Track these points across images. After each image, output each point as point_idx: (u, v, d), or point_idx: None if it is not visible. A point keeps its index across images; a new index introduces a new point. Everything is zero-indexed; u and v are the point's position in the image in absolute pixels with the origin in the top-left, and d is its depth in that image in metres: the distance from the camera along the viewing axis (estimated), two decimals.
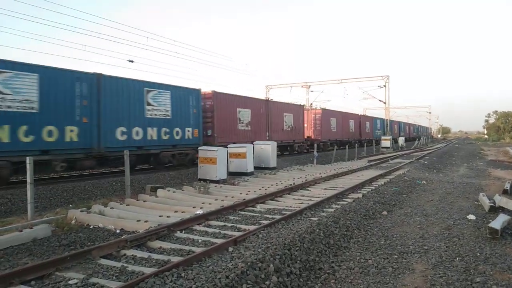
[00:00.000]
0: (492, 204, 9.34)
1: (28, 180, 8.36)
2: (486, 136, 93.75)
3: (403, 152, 34.30)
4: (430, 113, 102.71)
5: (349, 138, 39.96)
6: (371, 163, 22.41)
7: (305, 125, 31.38)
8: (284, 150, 28.31)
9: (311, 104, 44.55)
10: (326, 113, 34.89)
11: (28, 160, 8.45)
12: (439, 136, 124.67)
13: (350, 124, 41.28)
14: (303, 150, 29.92)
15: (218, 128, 19.70)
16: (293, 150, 28.57)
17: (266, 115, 24.59)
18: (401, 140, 46.97)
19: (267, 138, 23.85)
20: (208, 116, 19.39)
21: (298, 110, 29.71)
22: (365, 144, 37.07)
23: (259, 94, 50.40)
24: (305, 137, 31.20)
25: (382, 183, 13.39)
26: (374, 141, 45.64)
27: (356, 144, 32.72)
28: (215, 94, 19.80)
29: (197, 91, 18.44)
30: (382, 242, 6.91)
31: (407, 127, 73.49)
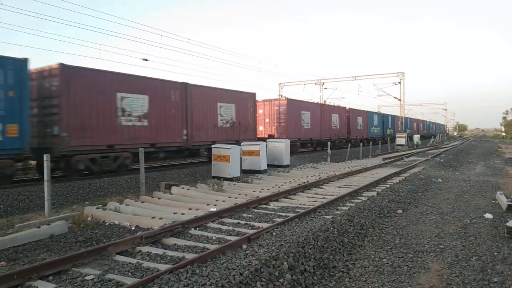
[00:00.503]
0: (510, 203, 9.17)
1: (46, 178, 8.49)
2: (503, 134, 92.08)
3: (418, 150, 33.88)
4: (446, 110, 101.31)
5: (332, 136, 32.54)
6: (386, 161, 22.20)
7: (267, 120, 26.03)
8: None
9: (324, 101, 44.28)
10: (294, 105, 27.33)
11: (45, 157, 8.58)
12: (455, 133, 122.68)
13: (333, 120, 33.69)
14: None
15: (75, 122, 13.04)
16: None
17: (184, 106, 17.31)
18: (416, 138, 46.47)
19: (184, 137, 17.48)
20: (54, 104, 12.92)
21: (244, 100, 21.60)
22: (371, 143, 33.53)
23: (273, 92, 50.14)
24: (267, 135, 25.26)
25: (397, 181, 13.25)
26: (370, 141, 38.11)
27: (349, 144, 28.98)
28: (66, 69, 12.83)
29: (12, 60, 11.49)
30: (397, 241, 6.86)
31: (415, 123, 66.38)
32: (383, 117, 47.95)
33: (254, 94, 22.78)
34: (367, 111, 42.36)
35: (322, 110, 31.75)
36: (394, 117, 51.97)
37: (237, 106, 20.90)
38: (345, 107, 37.90)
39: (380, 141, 40.93)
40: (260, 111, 25.90)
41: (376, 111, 54.92)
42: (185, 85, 17.53)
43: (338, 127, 34.55)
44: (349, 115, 37.39)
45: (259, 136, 24.28)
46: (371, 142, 34.72)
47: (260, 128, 25.67)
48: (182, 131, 17.29)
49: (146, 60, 22.63)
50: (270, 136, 24.72)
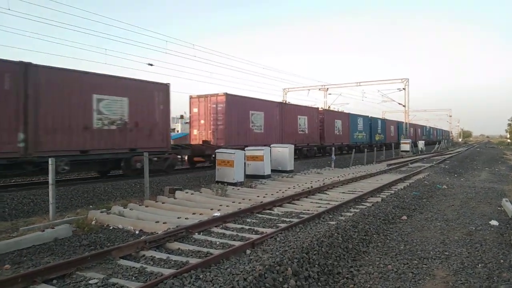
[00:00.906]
0: None
1: (50, 181, 8.52)
2: (509, 140, 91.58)
3: (423, 156, 33.76)
4: (450, 116, 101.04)
5: (297, 142, 25.89)
6: (390, 167, 22.13)
7: (202, 121, 20.52)
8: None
9: (328, 107, 44.24)
10: (238, 103, 20.95)
11: (50, 161, 8.61)
12: (460, 140, 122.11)
13: (300, 122, 27.37)
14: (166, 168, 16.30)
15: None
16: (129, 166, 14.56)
17: (21, 96, 11.55)
18: (420, 144, 46.34)
19: (20, 144, 11.45)
20: None
21: (147, 92, 15.39)
22: (353, 151, 28.60)
23: (278, 98, 50.18)
24: (201, 141, 20.09)
25: (402, 187, 13.19)
26: (353, 148, 33.07)
27: (353, 150, 27.86)
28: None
29: None
30: (402, 247, 6.81)
31: (412, 129, 58.17)
32: (371, 121, 41.10)
33: (166, 86, 16.22)
34: (349, 114, 36.89)
35: (284, 111, 25.42)
36: (384, 122, 46.43)
37: (134, 100, 14.64)
38: (318, 108, 32.16)
39: (366, 149, 33.14)
40: (195, 109, 21.02)
41: (381, 116, 54.43)
42: (25, 66, 11.61)
43: (306, 132, 28.15)
44: (323, 117, 31.17)
45: (193, 142, 20.56)
46: (353, 150, 29.51)
47: (195, 132, 21.02)
48: (15, 134, 11.40)
49: (151, 65, 22.75)
50: (205, 142, 19.79)
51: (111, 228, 7.99)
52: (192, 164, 19.80)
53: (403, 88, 43.68)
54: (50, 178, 8.53)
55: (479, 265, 5.84)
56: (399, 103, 45.67)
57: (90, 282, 4.69)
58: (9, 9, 17.81)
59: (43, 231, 7.19)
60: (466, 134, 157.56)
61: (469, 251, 6.52)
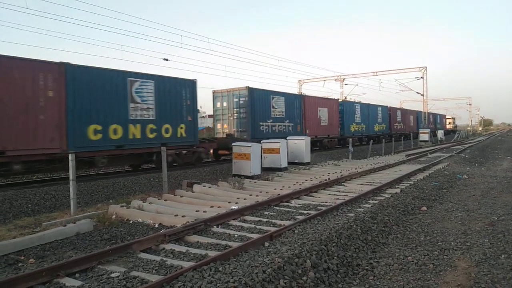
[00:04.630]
0: None
1: (71, 177, 8.67)
2: None
3: (442, 146, 33.20)
4: (470, 105, 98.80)
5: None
6: (409, 157, 21.83)
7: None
8: None
9: (345, 97, 43.82)
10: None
11: (70, 157, 8.76)
12: (480, 128, 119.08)
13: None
14: None
15: None
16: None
17: None
18: (440, 134, 45.61)
19: None
20: None
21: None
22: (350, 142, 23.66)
23: (293, 89, 49.90)
24: (225, 135, 20.12)
25: (421, 178, 13.00)
26: (348, 138, 26.99)
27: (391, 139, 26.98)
28: None
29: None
30: (422, 238, 6.72)
31: (411, 116, 48.34)
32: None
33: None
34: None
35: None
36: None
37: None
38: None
39: (384, 140, 29.28)
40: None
41: (399, 106, 53.54)
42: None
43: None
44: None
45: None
46: (350, 141, 24.03)
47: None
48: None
49: (167, 60, 22.87)
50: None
51: (131, 222, 8.11)
52: (217, 156, 20.17)
53: (421, 77, 42.90)
54: (71, 173, 8.68)
55: (502, 255, 5.72)
56: (417, 92, 44.91)
57: (112, 275, 4.77)
58: (27, 8, 18.13)
59: (65, 226, 7.35)
60: (486, 123, 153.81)
61: (491, 241, 6.40)
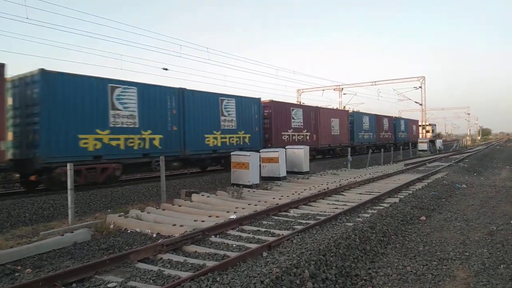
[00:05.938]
0: None
1: (69, 186, 8.65)
2: None
3: (441, 155, 33.26)
4: (468, 114, 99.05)
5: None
6: (408, 167, 21.85)
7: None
8: None
9: (344, 107, 43.94)
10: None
11: (68, 166, 8.74)
12: (479, 138, 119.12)
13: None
14: None
15: None
16: None
17: None
18: (438, 143, 45.73)
19: None
20: None
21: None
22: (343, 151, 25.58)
23: (292, 99, 50.02)
24: None
25: (420, 187, 13.00)
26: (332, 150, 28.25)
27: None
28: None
29: None
30: (420, 248, 6.71)
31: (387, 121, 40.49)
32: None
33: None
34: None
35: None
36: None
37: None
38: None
39: (383, 149, 29.69)
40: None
41: (397, 115, 53.47)
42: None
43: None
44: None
45: None
46: (349, 150, 24.12)
47: None
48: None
49: (166, 69, 23.01)
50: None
51: (129, 231, 8.07)
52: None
53: (419, 87, 43.16)
54: (69, 183, 8.67)
55: (501, 265, 5.71)
56: (416, 102, 45.11)
57: (109, 285, 4.75)
58: (27, 18, 18.27)
59: (63, 235, 7.31)
60: (485, 132, 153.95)
61: (490, 251, 6.38)
